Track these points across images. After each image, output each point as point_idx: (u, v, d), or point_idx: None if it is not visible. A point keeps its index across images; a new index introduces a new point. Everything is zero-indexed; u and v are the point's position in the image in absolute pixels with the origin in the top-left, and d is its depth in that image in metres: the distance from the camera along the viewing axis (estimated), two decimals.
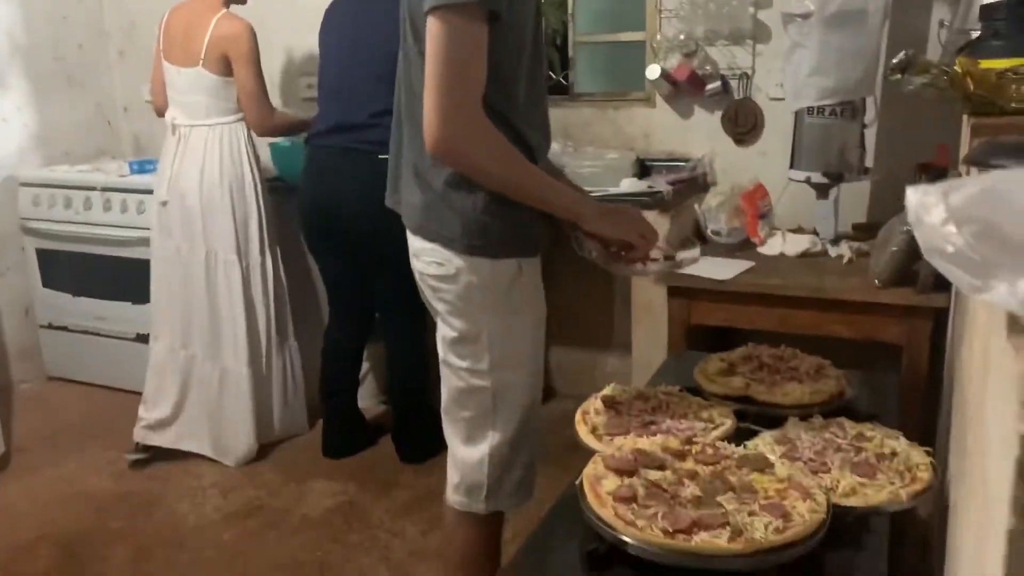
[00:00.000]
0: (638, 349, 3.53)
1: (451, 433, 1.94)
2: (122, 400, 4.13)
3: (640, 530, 1.40)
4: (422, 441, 3.44)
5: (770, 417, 1.94)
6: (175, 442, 3.62)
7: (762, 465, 1.61)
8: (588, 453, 1.70)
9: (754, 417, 1.95)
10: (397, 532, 3.07)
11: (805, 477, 1.58)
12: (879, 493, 1.60)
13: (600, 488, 1.52)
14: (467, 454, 1.90)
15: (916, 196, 0.73)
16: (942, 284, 2.87)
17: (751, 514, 1.44)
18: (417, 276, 1.87)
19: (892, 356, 3.06)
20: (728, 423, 1.88)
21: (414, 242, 1.83)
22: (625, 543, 1.40)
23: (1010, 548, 0.59)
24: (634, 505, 1.46)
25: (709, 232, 3.64)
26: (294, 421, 3.71)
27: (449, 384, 1.90)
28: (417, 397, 3.53)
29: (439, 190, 1.73)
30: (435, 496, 3.02)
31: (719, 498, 1.50)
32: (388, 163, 1.90)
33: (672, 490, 1.52)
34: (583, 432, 1.87)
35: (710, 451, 1.65)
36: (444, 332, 1.85)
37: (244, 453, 3.57)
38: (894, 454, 1.72)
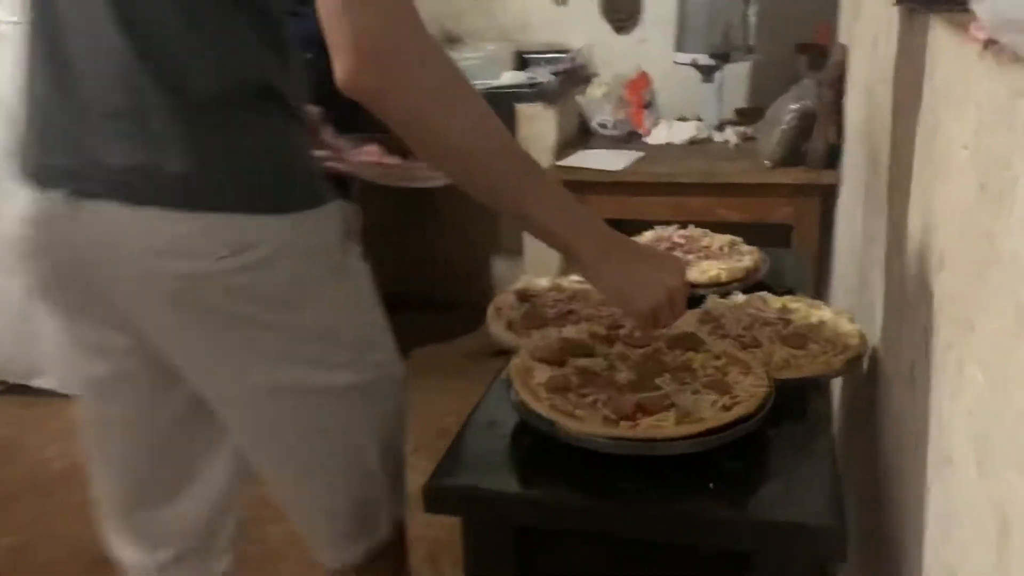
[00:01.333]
0: (530, 250, 3.41)
1: (307, 483, 1.29)
2: None
3: (582, 420, 1.28)
4: None
5: (688, 298, 1.84)
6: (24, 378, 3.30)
7: (694, 343, 1.52)
8: (493, 360, 1.56)
9: None
10: None
11: (740, 352, 1.50)
12: (813, 363, 1.53)
13: (531, 380, 1.38)
14: (345, 486, 1.30)
15: None
16: (832, 161, 2.86)
17: (695, 393, 1.34)
18: (180, 284, 1.07)
19: (782, 237, 3.07)
20: None
21: (167, 225, 1.05)
22: (567, 435, 1.28)
23: None
24: (570, 395, 1.34)
25: (595, 125, 3.52)
26: None
27: (279, 417, 1.21)
28: None
29: (226, 124, 1.05)
30: None
31: (657, 380, 1.39)
32: (30, 118, 1.14)
33: (606, 376, 1.41)
34: (498, 328, 1.73)
35: (638, 333, 1.54)
36: (265, 345, 1.15)
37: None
38: (822, 323, 1.66)
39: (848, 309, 1.82)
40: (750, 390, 1.35)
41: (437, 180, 1.52)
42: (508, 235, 4.00)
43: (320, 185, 1.16)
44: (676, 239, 2.06)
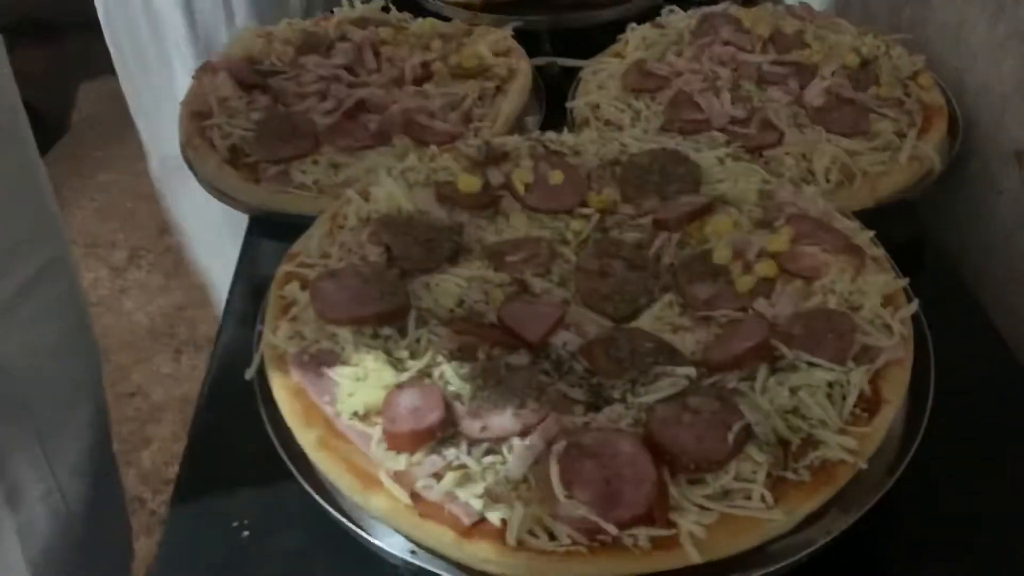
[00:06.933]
0: None
1: None
2: None
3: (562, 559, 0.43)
4: None
5: (580, 31, 0.95)
6: None
7: (681, 172, 0.66)
8: None
9: (550, 37, 0.95)
10: None
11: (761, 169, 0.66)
12: (902, 168, 0.73)
13: (335, 423, 0.50)
14: None
15: None
16: None
17: (779, 374, 0.51)
18: None
19: None
20: (520, 68, 0.87)
21: None
22: None
23: None
24: (462, 453, 0.47)
25: None
26: None
27: None
28: None
29: None
30: None
31: (655, 332, 0.55)
32: None
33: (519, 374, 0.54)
34: (208, 167, 0.77)
35: (556, 178, 0.65)
36: None
37: None
38: (864, 64, 0.84)
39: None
40: (877, 311, 0.54)
41: None
42: None
43: None
44: None
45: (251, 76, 0.86)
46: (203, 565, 0.53)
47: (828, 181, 0.72)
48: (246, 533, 0.54)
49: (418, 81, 0.85)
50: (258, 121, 0.81)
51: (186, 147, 0.81)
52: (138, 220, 2.22)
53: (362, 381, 0.50)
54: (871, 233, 0.61)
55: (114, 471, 0.90)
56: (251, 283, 0.71)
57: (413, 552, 0.47)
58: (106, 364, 1.87)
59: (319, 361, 0.52)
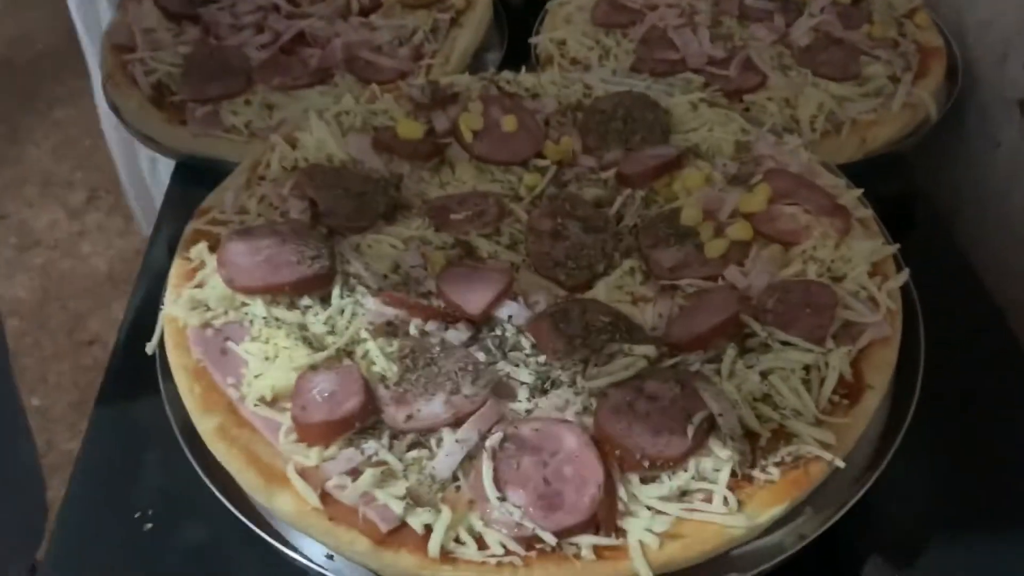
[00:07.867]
0: None
1: None
2: None
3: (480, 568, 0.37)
4: None
5: None
6: None
7: (649, 119, 0.59)
8: None
9: None
10: None
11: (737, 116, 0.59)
12: (894, 116, 0.66)
13: (239, 408, 0.43)
14: None
15: None
16: None
17: (749, 351, 0.45)
18: None
19: None
20: None
21: None
22: None
23: None
24: (382, 447, 0.41)
25: None
26: None
27: None
28: None
29: None
30: None
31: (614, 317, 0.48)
32: None
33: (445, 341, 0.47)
34: (131, 103, 0.69)
35: (509, 125, 0.57)
36: None
37: None
38: (855, 1, 0.76)
39: None
40: (863, 281, 0.48)
41: None
42: None
43: None
44: None
45: (180, 5, 0.77)
46: (99, 562, 0.47)
47: (814, 130, 0.65)
48: (149, 525, 0.48)
49: (365, 11, 0.77)
50: (186, 55, 0.73)
51: (107, 84, 0.73)
52: (97, 159, 2.11)
53: (271, 361, 0.44)
54: (859, 192, 0.54)
55: (19, 431, 0.81)
56: (174, 237, 0.63)
57: (330, 557, 0.41)
58: (63, 311, 1.81)
59: (225, 336, 0.45)
